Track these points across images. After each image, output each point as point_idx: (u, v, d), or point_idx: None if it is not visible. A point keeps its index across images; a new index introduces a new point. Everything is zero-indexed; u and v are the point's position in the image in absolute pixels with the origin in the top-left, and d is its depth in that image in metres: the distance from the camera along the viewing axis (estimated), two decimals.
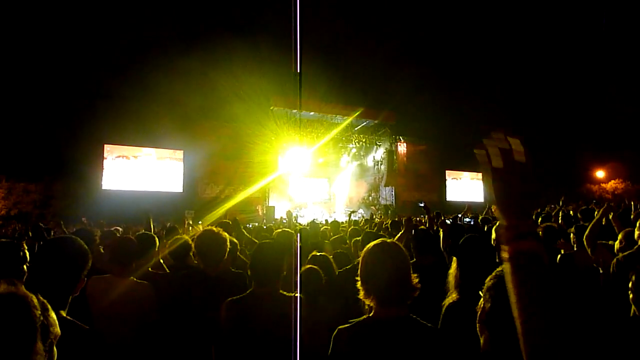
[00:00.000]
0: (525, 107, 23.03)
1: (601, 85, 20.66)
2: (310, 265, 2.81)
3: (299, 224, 9.73)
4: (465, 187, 25.48)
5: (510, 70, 21.66)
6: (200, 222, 8.43)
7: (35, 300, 0.97)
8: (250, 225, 11.41)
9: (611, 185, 26.08)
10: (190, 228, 6.07)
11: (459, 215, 9.01)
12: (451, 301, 1.98)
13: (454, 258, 2.14)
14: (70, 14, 14.63)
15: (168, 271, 3.16)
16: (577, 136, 22.58)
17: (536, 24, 19.71)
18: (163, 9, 16.14)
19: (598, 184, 26.93)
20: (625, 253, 2.36)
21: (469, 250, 2.08)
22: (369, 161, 24.41)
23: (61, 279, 1.58)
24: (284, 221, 15.79)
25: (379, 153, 23.71)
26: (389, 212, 20.85)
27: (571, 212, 6.39)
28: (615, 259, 2.00)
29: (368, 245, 1.72)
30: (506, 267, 0.78)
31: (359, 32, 18.50)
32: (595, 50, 19.67)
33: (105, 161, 16.84)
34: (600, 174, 27.52)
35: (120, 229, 6.01)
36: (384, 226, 5.96)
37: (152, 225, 4.72)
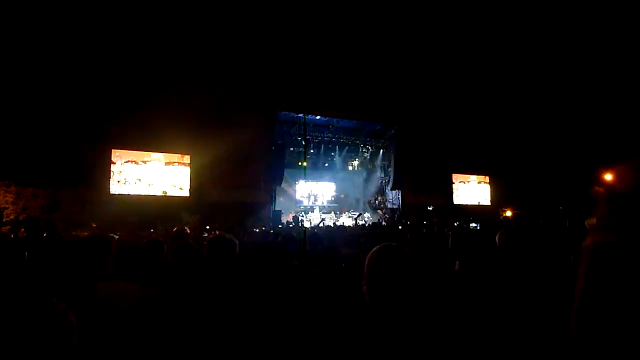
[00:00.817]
0: (533, 108, 22.88)
1: (609, 87, 20.52)
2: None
3: (305, 227, 9.76)
4: (472, 191, 25.31)
5: (518, 71, 21.56)
6: (208, 227, 8.48)
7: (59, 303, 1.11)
8: (257, 230, 11.44)
9: None
10: (188, 230, 6.01)
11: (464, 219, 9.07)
12: None
13: (457, 262, 2.14)
14: (77, 20, 14.81)
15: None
16: (586, 138, 22.43)
17: (544, 30, 19.62)
18: (170, 15, 16.27)
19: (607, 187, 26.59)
20: None
21: (472, 254, 2.07)
22: (376, 164, 24.38)
23: (78, 283, 1.61)
24: (291, 225, 15.86)
25: (386, 156, 23.68)
26: (395, 215, 20.81)
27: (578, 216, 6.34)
28: None
29: (373, 250, 1.70)
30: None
31: (364, 34, 18.51)
32: (604, 54, 19.54)
33: (113, 166, 16.96)
34: (608, 176, 27.23)
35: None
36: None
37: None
